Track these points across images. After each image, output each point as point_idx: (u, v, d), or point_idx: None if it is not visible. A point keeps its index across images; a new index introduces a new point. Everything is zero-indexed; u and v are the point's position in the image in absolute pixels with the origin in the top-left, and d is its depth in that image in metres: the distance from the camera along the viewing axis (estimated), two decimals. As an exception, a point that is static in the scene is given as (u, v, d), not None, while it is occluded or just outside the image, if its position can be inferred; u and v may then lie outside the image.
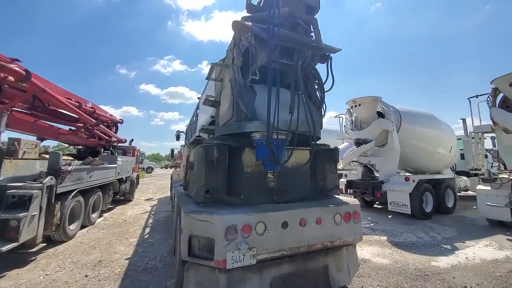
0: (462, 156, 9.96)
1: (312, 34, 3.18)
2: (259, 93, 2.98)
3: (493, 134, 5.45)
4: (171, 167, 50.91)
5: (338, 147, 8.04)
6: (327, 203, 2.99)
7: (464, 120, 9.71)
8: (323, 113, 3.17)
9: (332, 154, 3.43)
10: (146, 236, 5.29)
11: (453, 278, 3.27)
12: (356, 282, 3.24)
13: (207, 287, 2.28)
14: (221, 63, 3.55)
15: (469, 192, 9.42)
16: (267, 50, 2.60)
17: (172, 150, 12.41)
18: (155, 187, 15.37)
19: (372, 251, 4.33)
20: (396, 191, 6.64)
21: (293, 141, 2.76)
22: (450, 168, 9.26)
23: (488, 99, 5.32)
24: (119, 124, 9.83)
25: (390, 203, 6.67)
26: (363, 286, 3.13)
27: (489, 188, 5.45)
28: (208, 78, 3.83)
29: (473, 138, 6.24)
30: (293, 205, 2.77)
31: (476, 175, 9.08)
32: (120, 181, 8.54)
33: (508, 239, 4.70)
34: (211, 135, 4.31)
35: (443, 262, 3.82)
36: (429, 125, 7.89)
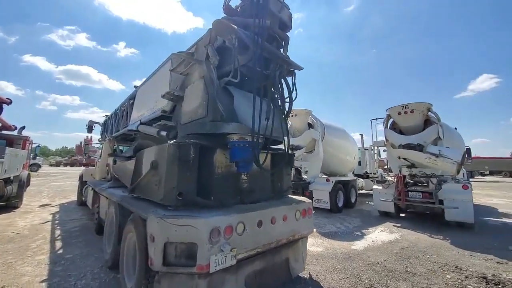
0: (359, 163, 12.79)
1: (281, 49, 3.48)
2: (235, 96, 3.01)
3: (385, 148, 7.39)
4: (66, 165, 41.08)
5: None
6: (288, 201, 3.32)
7: (362, 135, 12.56)
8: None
9: (289, 158, 3.82)
10: (60, 252, 4.21)
11: (368, 257, 4.25)
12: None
13: (185, 296, 2.13)
14: (189, 55, 3.33)
15: (363, 191, 12.17)
16: (252, 58, 2.70)
17: (86, 144, 10.19)
18: (50, 190, 12.15)
19: (308, 242, 5.02)
20: (320, 190, 7.88)
21: (266, 145, 2.93)
22: (352, 172, 11.72)
23: (383, 122, 7.19)
24: (5, 105, 7.31)
25: (315, 201, 7.84)
26: (309, 271, 3.62)
27: (381, 187, 7.32)
28: (173, 70, 3.49)
29: (372, 149, 8.24)
30: (263, 205, 2.94)
31: (367, 177, 11.89)
32: (6, 181, 6.38)
33: (394, 225, 6.44)
34: (165, 132, 3.94)
35: (358, 245, 4.87)
36: (342, 137, 9.79)
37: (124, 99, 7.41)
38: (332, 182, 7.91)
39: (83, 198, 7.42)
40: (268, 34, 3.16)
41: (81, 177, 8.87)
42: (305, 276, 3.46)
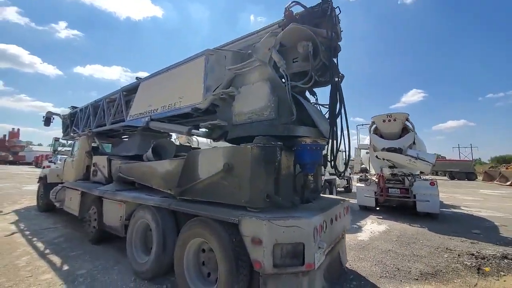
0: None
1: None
2: (302, 101, 3.12)
3: (367, 150, 8.40)
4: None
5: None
6: (331, 200, 3.60)
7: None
8: None
9: (324, 159, 4.10)
10: (67, 268, 3.59)
11: (378, 246, 4.85)
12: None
13: (292, 295, 2.18)
14: (252, 57, 3.27)
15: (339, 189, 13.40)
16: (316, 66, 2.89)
17: (56, 139, 8.52)
18: (-18, 195, 9.78)
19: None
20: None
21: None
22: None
23: (368, 128, 8.19)
24: None
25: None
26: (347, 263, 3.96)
27: (364, 185, 8.28)
28: (232, 69, 3.35)
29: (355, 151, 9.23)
30: (326, 204, 3.14)
31: (340, 176, 13.13)
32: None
33: (377, 218, 7.38)
34: (202, 131, 3.76)
35: (363, 237, 5.48)
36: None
37: (110, 92, 6.58)
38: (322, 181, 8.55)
39: (55, 203, 6.28)
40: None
41: (42, 178, 7.44)
42: (346, 266, 3.80)
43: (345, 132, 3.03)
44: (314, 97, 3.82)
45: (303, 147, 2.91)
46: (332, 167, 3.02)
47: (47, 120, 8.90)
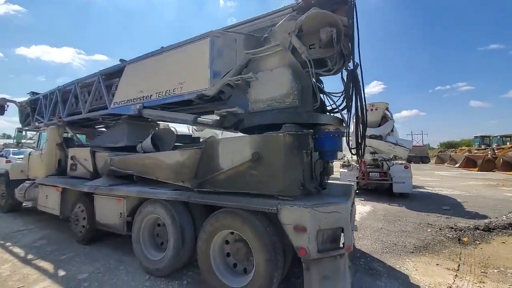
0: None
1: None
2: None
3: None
4: None
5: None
6: (347, 185, 3.78)
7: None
8: None
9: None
10: (64, 273, 3.22)
11: (370, 225, 5.26)
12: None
13: (332, 277, 2.26)
14: (269, 41, 3.13)
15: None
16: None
17: (20, 130, 7.25)
18: None
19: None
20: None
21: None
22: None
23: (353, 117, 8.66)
24: None
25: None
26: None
27: (347, 170, 8.81)
28: (250, 53, 3.15)
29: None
30: (344, 189, 3.27)
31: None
32: None
33: (360, 200, 7.95)
34: (212, 119, 3.56)
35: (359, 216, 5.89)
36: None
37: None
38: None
39: (25, 203, 5.50)
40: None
41: (3, 175, 6.41)
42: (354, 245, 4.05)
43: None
44: (321, 85, 3.86)
45: (326, 135, 2.93)
46: (357, 154, 3.13)
47: (1, 108, 7.60)
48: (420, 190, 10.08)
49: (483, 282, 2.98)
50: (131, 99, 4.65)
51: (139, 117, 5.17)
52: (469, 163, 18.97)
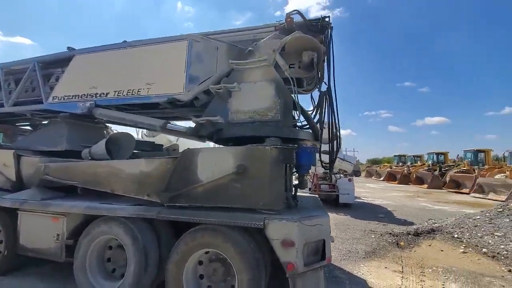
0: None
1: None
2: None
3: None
4: None
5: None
6: (314, 197, 3.98)
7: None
8: None
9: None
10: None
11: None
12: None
13: (314, 289, 2.29)
14: (254, 54, 3.14)
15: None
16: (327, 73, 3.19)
17: None
18: None
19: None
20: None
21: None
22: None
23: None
24: None
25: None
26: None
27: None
28: (234, 63, 3.05)
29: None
30: (313, 201, 3.42)
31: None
32: None
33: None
34: (185, 128, 3.31)
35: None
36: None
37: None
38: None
39: None
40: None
41: None
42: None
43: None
44: None
45: (304, 150, 3.06)
46: (330, 168, 3.34)
47: None
48: (357, 200, 11.44)
49: (423, 281, 3.51)
50: (78, 95, 3.97)
51: (83, 117, 4.44)
52: (391, 177, 22.66)
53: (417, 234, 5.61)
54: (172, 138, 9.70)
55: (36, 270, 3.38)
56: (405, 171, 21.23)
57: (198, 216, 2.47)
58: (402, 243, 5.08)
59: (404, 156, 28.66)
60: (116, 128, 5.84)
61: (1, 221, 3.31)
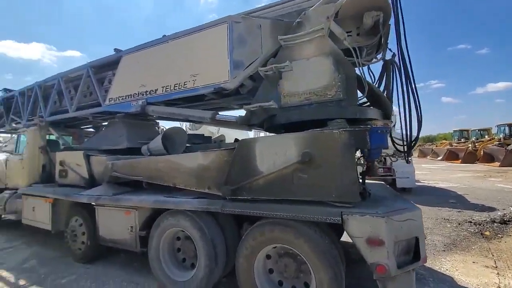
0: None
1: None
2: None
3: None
4: None
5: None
6: (382, 184, 3.54)
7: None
8: None
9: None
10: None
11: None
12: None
13: (406, 293, 1.97)
14: (304, 27, 2.76)
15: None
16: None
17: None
18: None
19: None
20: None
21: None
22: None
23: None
24: None
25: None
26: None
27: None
28: (284, 39, 2.75)
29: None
30: (384, 189, 3.01)
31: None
32: None
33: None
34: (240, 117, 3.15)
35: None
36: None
37: (55, 72, 5.12)
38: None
39: (7, 216, 4.75)
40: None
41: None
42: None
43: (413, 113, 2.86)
44: None
45: (374, 131, 2.63)
46: (408, 153, 2.88)
47: None
48: (417, 183, 10.27)
49: (529, 280, 2.88)
50: (130, 95, 4.10)
51: (136, 116, 4.64)
52: (451, 155, 19.88)
53: (504, 222, 4.73)
54: (214, 130, 9.88)
55: (117, 258, 3.72)
56: (470, 148, 18.37)
57: (262, 210, 2.31)
58: (487, 233, 4.31)
59: (467, 130, 24.81)
60: (162, 124, 6.09)
61: (81, 215, 3.69)
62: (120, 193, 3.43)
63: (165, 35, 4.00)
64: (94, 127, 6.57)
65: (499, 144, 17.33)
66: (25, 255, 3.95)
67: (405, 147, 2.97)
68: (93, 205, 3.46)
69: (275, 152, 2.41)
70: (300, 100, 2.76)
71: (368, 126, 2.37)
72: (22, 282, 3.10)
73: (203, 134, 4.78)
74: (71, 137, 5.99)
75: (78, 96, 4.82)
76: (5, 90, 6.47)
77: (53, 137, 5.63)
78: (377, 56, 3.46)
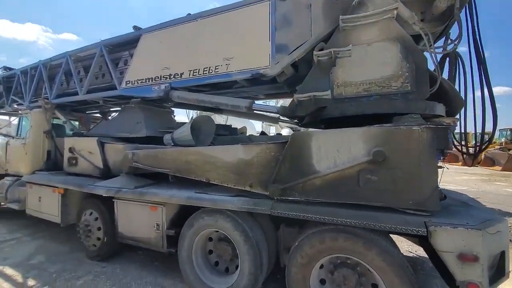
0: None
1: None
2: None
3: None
4: None
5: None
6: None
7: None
8: None
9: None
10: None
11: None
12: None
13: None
14: (365, 7, 2.42)
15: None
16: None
17: None
18: None
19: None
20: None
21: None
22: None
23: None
24: None
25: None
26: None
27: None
28: (345, 20, 2.41)
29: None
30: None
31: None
32: None
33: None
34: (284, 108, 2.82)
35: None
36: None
37: (50, 55, 4.66)
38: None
39: (9, 205, 4.37)
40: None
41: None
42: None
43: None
44: None
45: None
46: (475, 156, 2.62)
47: None
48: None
49: None
50: (151, 78, 3.74)
51: (152, 102, 4.27)
52: (452, 157, 20.00)
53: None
54: (221, 120, 9.45)
55: (135, 256, 3.42)
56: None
57: (323, 214, 2.02)
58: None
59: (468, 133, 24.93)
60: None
61: (97, 209, 3.35)
62: (142, 186, 3.11)
63: (189, 14, 3.61)
64: (101, 112, 6.15)
65: (500, 148, 17.45)
66: (31, 249, 3.61)
67: (476, 148, 2.70)
68: (112, 198, 3.13)
69: (336, 149, 2.11)
70: (357, 91, 2.46)
71: (450, 124, 2.08)
72: (31, 283, 2.77)
73: (231, 125, 4.44)
74: (77, 122, 5.57)
75: (89, 77, 4.39)
76: (5, 68, 5.96)
77: (57, 121, 5.21)
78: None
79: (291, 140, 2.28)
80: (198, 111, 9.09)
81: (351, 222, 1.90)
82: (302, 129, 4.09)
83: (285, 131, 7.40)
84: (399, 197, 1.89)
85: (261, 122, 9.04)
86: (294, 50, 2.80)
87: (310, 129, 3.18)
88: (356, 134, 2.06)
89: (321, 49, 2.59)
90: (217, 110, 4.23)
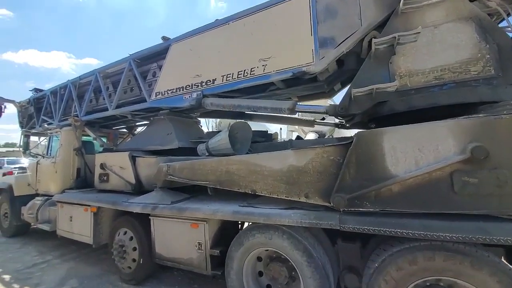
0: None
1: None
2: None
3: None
4: None
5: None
6: None
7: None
8: None
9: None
10: None
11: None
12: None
13: None
14: None
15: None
16: None
17: (27, 134, 5.95)
18: None
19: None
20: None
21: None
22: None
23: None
24: None
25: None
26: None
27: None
28: (406, 3, 2.14)
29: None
30: None
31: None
32: None
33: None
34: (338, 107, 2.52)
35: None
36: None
37: (52, 81, 4.72)
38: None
39: (39, 226, 4.28)
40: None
41: (5, 190, 5.12)
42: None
43: None
44: None
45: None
46: None
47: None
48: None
49: None
50: (183, 87, 3.59)
51: (179, 112, 4.13)
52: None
53: None
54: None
55: (171, 278, 3.14)
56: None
57: (414, 229, 1.63)
58: None
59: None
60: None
61: (132, 227, 3.13)
62: (179, 201, 2.87)
63: (217, 20, 3.48)
64: (128, 127, 6.14)
65: None
66: (62, 273, 3.42)
67: None
68: (148, 215, 2.90)
69: (417, 148, 1.77)
70: (426, 80, 2.14)
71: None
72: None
73: (267, 131, 4.18)
74: (105, 138, 5.55)
75: (118, 92, 4.34)
76: (36, 90, 6.14)
77: (85, 139, 5.20)
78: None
79: (356, 140, 1.96)
80: (218, 119, 9.00)
81: (458, 237, 1.51)
82: (325, 133, 3.76)
83: (311, 136, 7.01)
84: (507, 203, 1.50)
85: (280, 126, 8.74)
86: (341, 43, 2.54)
87: (374, 128, 2.84)
88: (444, 128, 1.71)
89: (373, 38, 2.31)
90: (246, 116, 4.01)
